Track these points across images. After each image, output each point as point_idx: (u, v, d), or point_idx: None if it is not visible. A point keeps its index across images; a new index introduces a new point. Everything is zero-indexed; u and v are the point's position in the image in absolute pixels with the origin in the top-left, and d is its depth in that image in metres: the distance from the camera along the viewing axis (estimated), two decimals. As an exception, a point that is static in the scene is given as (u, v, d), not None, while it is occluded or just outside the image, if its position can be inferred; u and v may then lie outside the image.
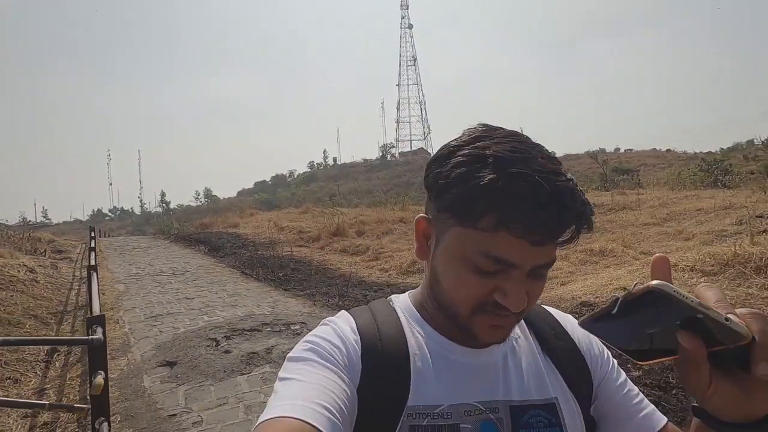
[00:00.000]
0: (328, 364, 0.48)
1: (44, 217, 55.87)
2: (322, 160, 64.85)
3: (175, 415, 3.12)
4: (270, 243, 11.68)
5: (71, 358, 4.27)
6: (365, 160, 58.32)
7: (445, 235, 0.50)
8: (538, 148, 0.48)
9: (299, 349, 0.51)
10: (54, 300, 6.28)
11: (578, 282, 5.22)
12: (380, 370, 0.50)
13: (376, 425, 0.48)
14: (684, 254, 4.59)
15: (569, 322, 0.62)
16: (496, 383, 0.53)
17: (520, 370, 0.54)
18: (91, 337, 2.57)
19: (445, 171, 0.48)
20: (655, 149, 45.69)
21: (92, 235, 10.38)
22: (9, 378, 3.73)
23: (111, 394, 3.02)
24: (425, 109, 62.22)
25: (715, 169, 18.92)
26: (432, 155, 0.52)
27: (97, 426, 2.69)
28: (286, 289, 7.02)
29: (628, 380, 0.59)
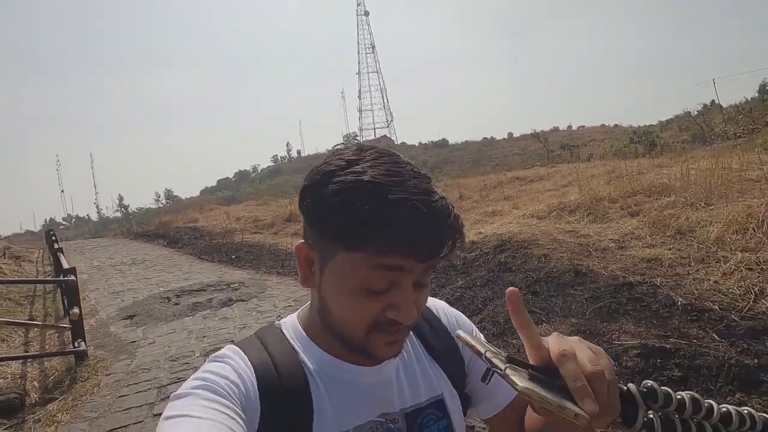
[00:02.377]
0: (222, 401, 0.46)
1: (-9, 229, 53.78)
2: (286, 154, 65.09)
3: (135, 341, 4.30)
4: (226, 232, 12.68)
5: (48, 333, 5.32)
6: (329, 151, 58.92)
7: (332, 261, 0.49)
8: (409, 167, 0.49)
9: (188, 386, 0.48)
10: (23, 288, 7.21)
11: (471, 231, 6.63)
12: (281, 405, 0.50)
13: None
14: (536, 206, 6.07)
15: (441, 309, 0.68)
16: (392, 396, 0.56)
17: (411, 378, 0.59)
18: (66, 278, 3.70)
19: (323, 198, 0.48)
20: (603, 125, 48.33)
21: (53, 237, 11.07)
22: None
23: (89, 351, 4.16)
24: (387, 96, 63.32)
25: (645, 141, 21.12)
26: (305, 180, 0.51)
27: (76, 345, 3.86)
28: (236, 266, 8.17)
29: None
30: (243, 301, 5.23)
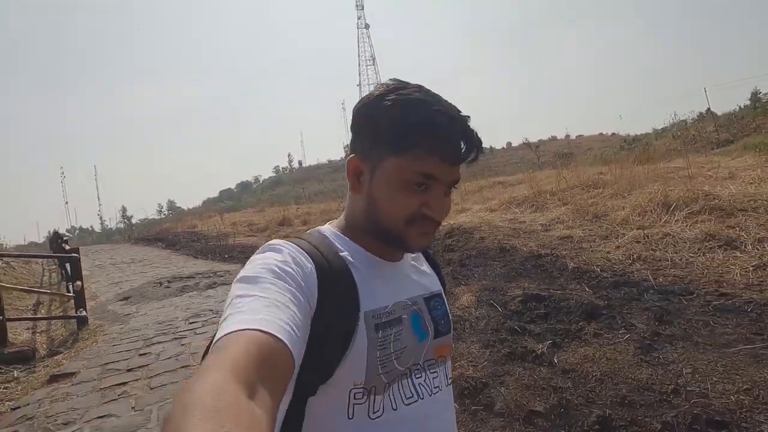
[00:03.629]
0: (285, 285, 0.52)
1: (-3, 241, 54.89)
2: (287, 164, 66.22)
3: (129, 314, 5.03)
4: (221, 235, 13.44)
5: (53, 305, 6.07)
6: (330, 162, 60.08)
7: (381, 166, 0.62)
8: (441, 96, 0.64)
9: (255, 269, 0.54)
10: (31, 279, 7.98)
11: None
12: (333, 284, 0.59)
13: (337, 332, 0.58)
14: (491, 202, 6.79)
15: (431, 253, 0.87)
16: (413, 284, 0.72)
17: (421, 273, 0.75)
18: (70, 255, 4.45)
19: (378, 112, 0.62)
20: (601, 134, 48.86)
21: (65, 238, 11.78)
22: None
23: (89, 319, 4.89)
24: (387, 107, 64.44)
25: (634, 148, 21.85)
26: (358, 103, 0.65)
27: (79, 312, 4.60)
28: (227, 262, 8.90)
29: None
30: (226, 284, 5.95)
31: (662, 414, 1.99)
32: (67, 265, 5.38)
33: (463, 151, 0.62)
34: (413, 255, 0.76)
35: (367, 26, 63.58)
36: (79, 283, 4.50)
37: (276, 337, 0.44)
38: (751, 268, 3.06)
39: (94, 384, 3.04)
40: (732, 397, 2.02)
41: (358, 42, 64.79)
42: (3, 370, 3.55)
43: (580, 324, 2.86)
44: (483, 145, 0.64)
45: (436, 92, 0.64)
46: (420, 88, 0.63)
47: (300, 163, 66.07)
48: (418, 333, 0.67)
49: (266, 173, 68.66)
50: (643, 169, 5.92)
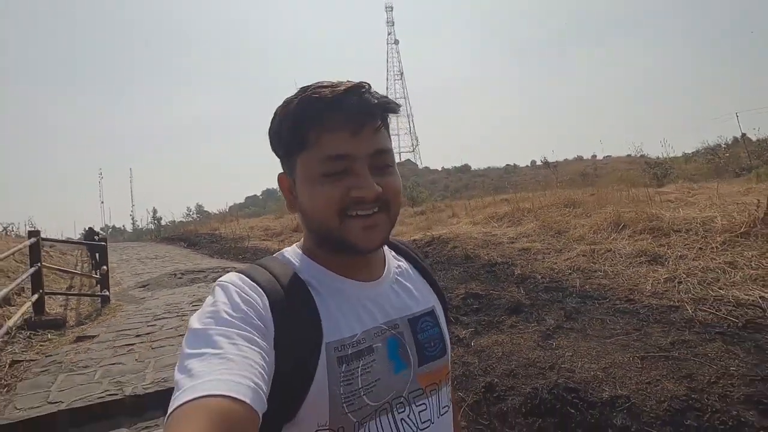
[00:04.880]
0: (237, 331, 0.48)
1: (37, 235, 58.43)
2: (312, 174, 67.83)
3: (144, 297, 5.86)
4: (238, 238, 14.40)
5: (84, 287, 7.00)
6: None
7: (297, 169, 0.59)
8: (358, 83, 0.58)
9: (202, 319, 0.50)
10: (67, 265, 9.02)
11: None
12: (291, 317, 0.54)
13: (297, 367, 0.53)
14: (477, 216, 7.36)
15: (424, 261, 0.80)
16: (392, 306, 0.64)
17: (407, 291, 0.67)
18: (98, 243, 5.32)
19: (277, 119, 0.60)
20: (629, 155, 48.27)
21: (100, 235, 13.04)
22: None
23: (111, 299, 5.76)
24: (413, 122, 65.52)
25: (656, 171, 21.82)
26: None
27: (103, 292, 5.45)
28: (238, 261, 9.74)
29: None
30: (231, 278, 6.75)
31: (535, 382, 2.56)
32: (97, 254, 6.29)
33: (358, 113, 0.56)
34: (397, 270, 0.69)
35: (396, 42, 65.18)
36: (104, 267, 5.36)
37: (236, 399, 0.42)
38: (662, 280, 3.56)
39: (109, 344, 3.81)
40: (591, 372, 2.57)
41: (388, 57, 66.44)
42: (40, 333, 4.39)
43: (503, 317, 3.43)
44: (391, 104, 0.59)
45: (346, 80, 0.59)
46: (327, 81, 0.59)
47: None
48: (395, 361, 0.61)
49: (291, 182, 70.39)
50: (620, 193, 6.38)
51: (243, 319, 0.51)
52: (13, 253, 4.57)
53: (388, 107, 0.59)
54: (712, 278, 3.40)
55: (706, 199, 5.60)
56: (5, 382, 3.15)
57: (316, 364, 0.54)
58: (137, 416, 2.63)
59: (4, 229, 13.19)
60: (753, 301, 2.97)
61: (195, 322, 0.51)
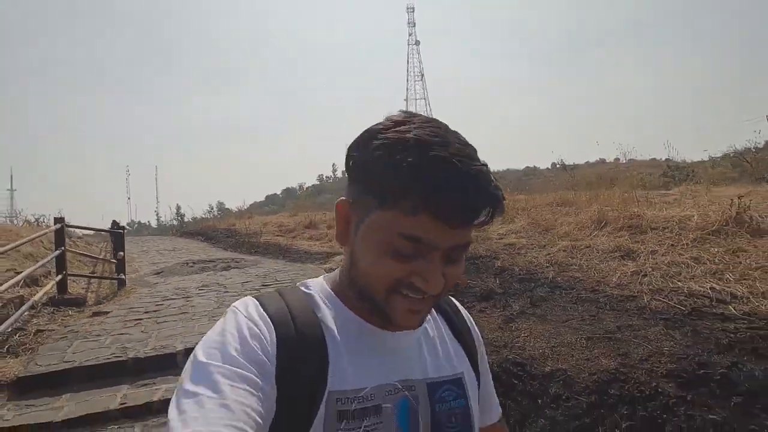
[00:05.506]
0: (239, 370, 0.46)
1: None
2: (331, 173, 68.73)
3: (157, 283, 6.35)
4: (253, 234, 14.96)
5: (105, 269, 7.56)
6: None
7: (366, 219, 0.51)
8: (455, 134, 0.50)
9: (208, 350, 0.48)
10: (91, 254, 9.67)
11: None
12: (297, 357, 0.50)
13: (297, 412, 0.49)
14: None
15: (462, 309, 0.71)
16: (413, 363, 0.57)
17: (433, 350, 0.60)
18: (116, 230, 5.82)
19: (366, 154, 0.50)
20: (654, 159, 47.19)
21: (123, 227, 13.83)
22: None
23: (127, 283, 6.28)
24: (433, 122, 65.48)
25: (676, 175, 21.51)
26: (355, 139, 0.53)
27: (119, 275, 5.96)
28: (249, 254, 10.22)
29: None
30: (239, 268, 7.18)
31: (488, 358, 2.84)
32: (115, 242, 6.84)
33: (469, 209, 0.47)
34: (428, 324, 0.62)
35: (417, 43, 65.39)
36: (121, 253, 5.87)
37: None
38: (629, 273, 3.77)
39: (120, 318, 4.26)
40: (540, 350, 2.84)
41: (408, 58, 66.73)
42: (62, 309, 4.88)
43: (474, 303, 3.71)
44: (501, 206, 0.49)
45: (451, 130, 0.51)
46: (425, 124, 0.50)
47: (343, 173, 68.34)
48: (403, 429, 0.54)
49: (310, 181, 71.72)
50: (614, 194, 6.53)
51: (248, 355, 0.48)
52: (40, 236, 5.08)
53: (499, 203, 0.49)
54: (674, 272, 3.59)
55: (701, 200, 5.72)
56: (29, 346, 3.62)
57: (315, 413, 0.49)
58: (137, 376, 3.03)
59: (36, 220, 14.15)
60: (704, 292, 3.17)
61: (200, 352, 0.48)
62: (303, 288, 0.60)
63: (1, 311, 4.18)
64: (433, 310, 0.64)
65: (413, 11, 64.98)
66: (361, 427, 0.51)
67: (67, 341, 3.61)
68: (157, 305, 4.72)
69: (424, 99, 66.15)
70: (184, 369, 0.48)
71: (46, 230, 5.16)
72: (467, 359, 0.64)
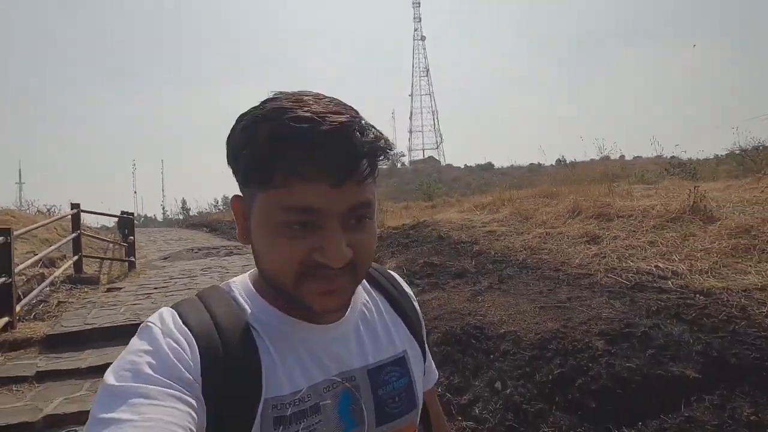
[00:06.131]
0: (158, 388, 0.42)
1: (75, 221, 62.35)
2: (335, 169, 69.08)
3: (164, 266, 6.84)
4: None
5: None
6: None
7: (254, 207, 0.48)
8: (324, 97, 0.46)
9: (120, 372, 0.43)
10: (103, 245, 10.21)
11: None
12: (225, 367, 0.47)
13: (232, 426, 0.46)
14: (463, 205, 8.02)
15: (404, 283, 0.69)
16: (351, 353, 0.55)
17: (373, 334, 0.58)
18: (125, 216, 6.30)
19: (232, 140, 0.47)
20: (659, 156, 47.25)
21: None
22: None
23: (137, 266, 6.77)
24: (438, 118, 65.74)
25: (677, 171, 21.75)
26: None
27: (131, 258, 6.45)
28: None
29: None
30: (240, 254, 7.66)
31: (452, 324, 3.27)
32: (126, 230, 7.34)
33: (341, 164, 0.44)
34: (365, 307, 0.60)
35: (423, 38, 65.52)
36: (131, 238, 6.35)
37: None
38: (590, 255, 4.18)
39: (132, 293, 4.75)
40: (498, 317, 3.26)
41: (413, 53, 66.96)
42: (79, 287, 5.38)
43: (448, 280, 4.14)
44: (384, 148, 0.47)
45: (325, 95, 0.47)
46: (292, 95, 0.46)
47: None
48: (345, 422, 0.52)
49: (315, 176, 72.08)
50: (597, 187, 6.92)
51: (167, 371, 0.44)
52: (59, 220, 5.57)
53: (380, 151, 0.47)
54: (629, 254, 4.00)
55: (671, 192, 6.09)
56: (53, 314, 4.11)
57: (251, 423, 0.47)
58: (149, 336, 3.51)
59: (48, 210, 14.75)
60: (649, 270, 3.57)
61: (110, 376, 0.43)
62: (225, 288, 0.55)
63: (25, 286, 4.67)
64: (371, 289, 0.64)
65: (419, 5, 65.05)
66: (298, 430, 0.49)
67: (86, 309, 4.10)
68: (165, 283, 5.20)
69: (429, 95, 66.37)
70: (93, 400, 0.43)
71: (65, 214, 5.65)
72: (410, 333, 0.63)
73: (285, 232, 0.46)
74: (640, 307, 3.03)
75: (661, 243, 4.05)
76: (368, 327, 0.58)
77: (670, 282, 3.35)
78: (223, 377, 0.46)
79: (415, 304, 0.68)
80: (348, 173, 0.44)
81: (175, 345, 0.46)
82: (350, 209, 0.46)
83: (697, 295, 3.09)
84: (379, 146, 0.46)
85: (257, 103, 0.48)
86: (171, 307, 0.51)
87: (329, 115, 0.44)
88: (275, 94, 0.48)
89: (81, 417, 2.49)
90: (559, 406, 2.44)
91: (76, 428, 2.01)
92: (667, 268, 3.56)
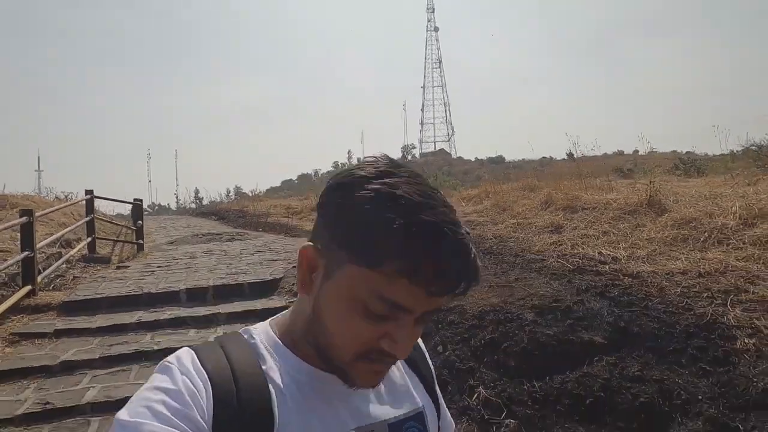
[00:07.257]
0: (170, 428, 0.43)
1: (91, 209, 64.00)
2: (346, 160, 69.73)
3: (170, 249, 7.44)
4: (262, 214, 16.10)
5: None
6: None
7: (337, 272, 0.48)
8: (440, 194, 0.49)
9: (136, 409, 0.44)
10: (115, 229, 10.91)
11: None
12: (237, 415, 0.47)
13: None
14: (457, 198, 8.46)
15: (419, 339, 0.67)
16: (370, 407, 0.54)
17: (392, 389, 0.58)
18: (135, 202, 6.89)
19: (350, 202, 0.46)
20: (675, 151, 46.82)
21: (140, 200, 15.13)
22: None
23: (145, 248, 7.38)
24: (450, 111, 65.67)
25: (690, 167, 21.78)
26: (331, 179, 0.51)
27: (140, 241, 7.06)
28: (254, 230, 11.30)
29: None
30: (241, 240, 8.23)
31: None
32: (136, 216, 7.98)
33: (452, 279, 0.45)
34: None
35: (436, 29, 65.27)
36: (140, 222, 6.96)
37: None
38: (549, 243, 4.61)
39: (138, 270, 5.33)
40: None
41: (426, 44, 66.75)
42: (92, 265, 5.99)
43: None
44: (478, 277, 0.48)
45: (434, 188, 0.49)
46: (413, 180, 0.48)
47: (358, 159, 69.15)
48: None
49: (326, 167, 72.96)
50: (579, 181, 7.29)
51: (181, 412, 0.44)
52: (75, 204, 6.18)
53: (477, 279, 0.47)
54: (583, 242, 4.42)
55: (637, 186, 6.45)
56: (69, 287, 4.71)
57: None
58: (150, 305, 4.06)
59: (66, 196, 15.60)
60: (594, 255, 4.00)
61: (124, 411, 0.44)
62: (246, 336, 0.56)
63: (45, 262, 5.29)
64: None
65: (433, -4, 64.72)
66: None
67: (97, 283, 4.69)
68: (168, 262, 5.78)
69: (441, 86, 66.24)
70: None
71: (80, 199, 6.25)
72: (425, 390, 0.63)
73: (363, 312, 0.47)
74: (573, 287, 3.47)
75: (613, 233, 4.46)
76: (387, 381, 0.57)
77: (607, 266, 3.78)
78: (233, 424, 0.46)
79: (428, 359, 0.69)
80: (451, 290, 0.46)
81: (191, 386, 0.47)
82: (428, 313, 0.48)
83: (626, 278, 3.52)
84: (478, 269, 0.47)
85: (371, 168, 0.48)
86: (190, 347, 0.52)
87: (455, 228, 0.45)
88: (389, 166, 0.49)
89: (91, 364, 3.06)
90: (487, 365, 2.92)
91: None
92: (609, 254, 3.99)
